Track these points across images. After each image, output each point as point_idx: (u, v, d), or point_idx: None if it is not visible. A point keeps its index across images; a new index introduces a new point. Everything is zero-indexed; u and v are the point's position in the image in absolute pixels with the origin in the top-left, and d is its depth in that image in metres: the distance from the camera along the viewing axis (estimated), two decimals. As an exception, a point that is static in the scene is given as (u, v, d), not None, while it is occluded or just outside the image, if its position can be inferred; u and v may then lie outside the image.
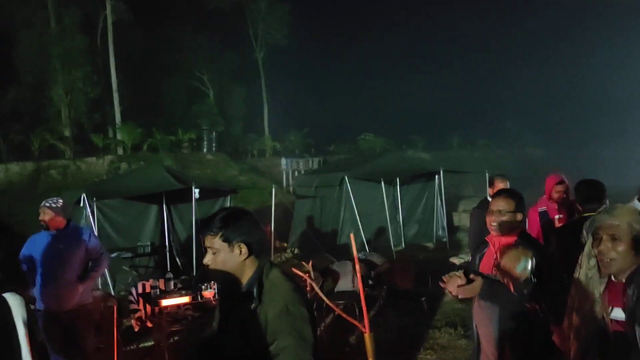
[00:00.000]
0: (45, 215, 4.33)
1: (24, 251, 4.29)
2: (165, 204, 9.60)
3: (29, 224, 13.62)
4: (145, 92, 20.83)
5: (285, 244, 11.24)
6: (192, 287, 5.97)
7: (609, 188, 3.88)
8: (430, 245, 11.93)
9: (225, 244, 2.07)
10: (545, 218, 4.84)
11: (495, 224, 3.05)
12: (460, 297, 3.09)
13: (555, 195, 4.81)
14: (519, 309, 2.89)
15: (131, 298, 6.56)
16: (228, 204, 10.41)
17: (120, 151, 18.45)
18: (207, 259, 2.10)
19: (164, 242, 9.41)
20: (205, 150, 21.19)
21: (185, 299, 5.59)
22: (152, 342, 6.12)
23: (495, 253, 3.07)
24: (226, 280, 2.16)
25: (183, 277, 8.57)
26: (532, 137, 31.25)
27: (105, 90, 19.98)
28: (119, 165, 17.18)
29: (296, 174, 19.71)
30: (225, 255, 2.08)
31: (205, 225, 2.11)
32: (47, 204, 4.34)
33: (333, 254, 9.21)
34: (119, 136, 18.91)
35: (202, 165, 18.84)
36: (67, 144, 18.35)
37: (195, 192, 8.82)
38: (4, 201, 14.89)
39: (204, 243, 2.13)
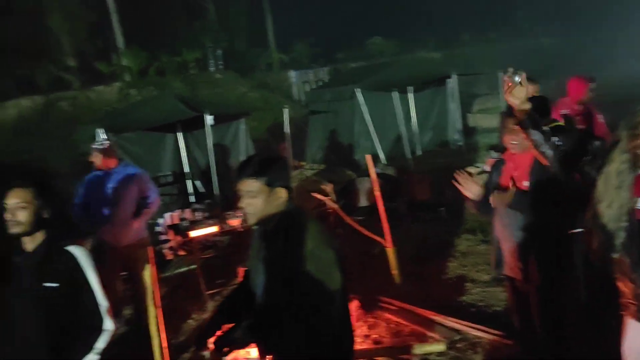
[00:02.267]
0: (95, 158, 4.48)
1: (80, 192, 4.51)
2: (182, 132, 9.67)
3: (48, 159, 13.93)
4: (144, 13, 20.16)
5: (302, 163, 11.36)
6: (218, 215, 6.20)
7: (630, 75, 3.82)
8: (446, 150, 11.96)
9: (266, 188, 2.11)
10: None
11: (515, 142, 3.01)
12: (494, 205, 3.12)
13: (590, 95, 4.74)
14: (546, 220, 2.93)
15: (160, 229, 6.83)
16: (242, 127, 10.45)
17: (127, 77, 18.23)
18: (245, 203, 2.14)
19: (183, 169, 9.58)
20: (212, 69, 20.84)
21: (213, 229, 5.81)
22: (186, 269, 6.47)
23: (511, 170, 3.11)
24: (259, 221, 2.23)
25: (207, 201, 8.84)
26: (544, 26, 29.95)
27: (103, 14, 19.38)
28: (128, 92, 17.06)
29: (307, 86, 19.45)
30: (265, 199, 2.12)
31: (244, 169, 2.14)
32: (95, 147, 4.49)
33: (350, 169, 9.35)
34: (124, 62, 18.60)
35: (211, 85, 18.63)
36: (73, 74, 18.14)
37: (210, 119, 8.82)
38: (19, 136, 15.08)
39: (239, 186, 2.15)
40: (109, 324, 2.42)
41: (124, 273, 4.82)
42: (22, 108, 15.93)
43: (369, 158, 5.21)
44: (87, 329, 2.39)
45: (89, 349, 2.36)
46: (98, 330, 2.39)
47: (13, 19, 18.67)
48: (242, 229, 5.77)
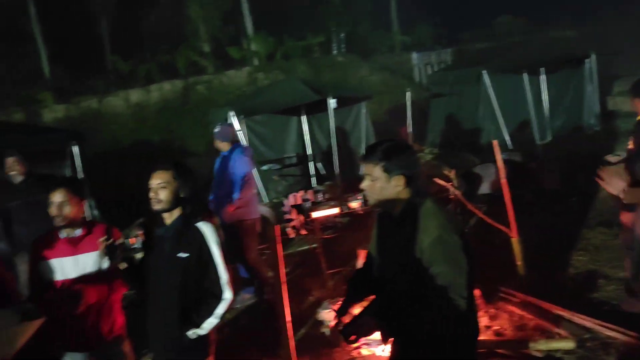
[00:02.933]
0: (215, 142, 4.92)
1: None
2: (305, 115, 9.99)
3: (185, 138, 15.10)
4: (272, 0, 20.92)
5: (423, 147, 11.20)
6: (338, 197, 6.36)
7: None
8: (580, 136, 11.10)
9: (385, 174, 2.19)
10: None
11: None
12: (626, 201, 2.88)
13: None
14: None
15: (285, 209, 7.16)
16: (363, 110, 10.53)
17: (256, 62, 19.12)
18: (365, 185, 2.26)
19: (307, 151, 9.91)
20: (335, 52, 21.12)
21: (334, 210, 5.97)
22: (307, 247, 6.74)
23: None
24: (382, 206, 2.32)
25: (327, 183, 9.10)
26: None
27: (235, 2, 20.42)
28: (256, 76, 17.89)
29: (428, 68, 19.02)
30: (382, 184, 2.21)
31: (368, 154, 2.26)
32: (215, 131, 4.91)
33: (473, 154, 9.05)
34: (252, 47, 19.51)
35: (333, 68, 18.92)
36: (209, 60, 19.40)
37: (332, 103, 9.02)
38: (162, 117, 16.51)
39: (363, 168, 2.27)
40: (228, 294, 2.67)
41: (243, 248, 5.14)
42: (164, 91, 17.39)
43: (495, 143, 5.02)
44: (210, 296, 2.66)
45: (210, 313, 2.64)
46: (219, 298, 2.65)
47: (157, 9, 20.39)
48: (361, 212, 5.87)
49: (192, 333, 2.64)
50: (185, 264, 2.64)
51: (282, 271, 3.93)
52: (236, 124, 8.89)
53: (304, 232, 6.96)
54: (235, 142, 5.11)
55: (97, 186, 8.86)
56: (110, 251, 2.71)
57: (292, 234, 7.05)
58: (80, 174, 7.86)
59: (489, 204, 6.67)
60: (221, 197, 4.96)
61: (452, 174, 6.13)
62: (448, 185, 5.70)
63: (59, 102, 16.74)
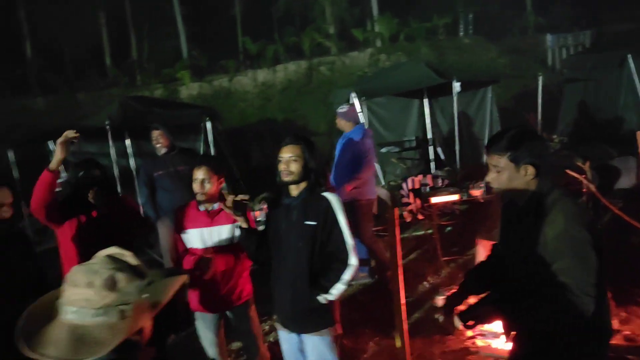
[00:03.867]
0: (338, 122, 5.05)
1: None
2: (427, 98, 9.82)
3: (307, 117, 15.54)
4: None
5: (553, 136, 10.52)
6: (458, 183, 6.22)
7: None
8: None
9: (512, 164, 2.09)
10: None
11: None
12: None
13: None
14: None
15: (402, 192, 7.16)
16: (489, 95, 10.12)
17: (378, 43, 19.05)
18: (491, 177, 2.17)
19: (427, 135, 9.76)
20: (461, 33, 20.39)
21: (454, 197, 5.84)
22: (423, 232, 6.70)
23: None
24: (507, 197, 2.25)
25: (446, 168, 8.91)
26: None
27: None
28: (378, 58, 17.85)
29: (563, 51, 17.70)
30: (510, 174, 2.11)
31: (493, 144, 2.17)
32: (338, 111, 5.03)
33: (610, 145, 8.34)
34: (376, 29, 19.45)
35: (459, 51, 18.29)
36: (332, 41, 19.69)
37: (456, 86, 8.76)
38: (286, 96, 17.13)
39: (488, 159, 2.18)
40: (354, 260, 2.75)
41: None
42: (289, 71, 18.00)
43: (639, 134, 4.61)
44: (337, 262, 2.74)
45: (338, 279, 2.72)
46: (345, 264, 2.73)
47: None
48: (482, 200, 5.70)
49: (321, 298, 2.74)
50: (312, 231, 2.73)
51: (399, 253, 3.97)
52: (357, 105, 8.97)
53: (420, 217, 6.91)
54: (357, 123, 5.19)
55: (225, 161, 9.47)
56: (236, 207, 2.84)
57: (408, 218, 7.04)
58: (212, 149, 8.44)
59: (626, 200, 6.14)
60: (341, 176, 5.07)
61: (586, 165, 5.69)
62: (580, 177, 5.32)
63: (195, 80, 18.01)
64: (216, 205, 3.29)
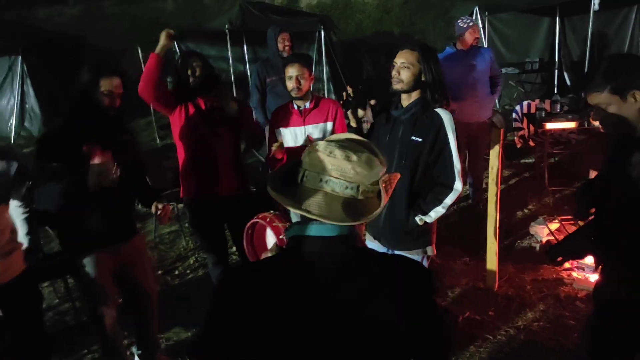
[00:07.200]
0: (457, 39, 4.78)
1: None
2: (559, 17, 8.97)
3: (425, 32, 14.94)
4: None
5: None
6: (579, 111, 5.79)
7: None
8: None
9: (616, 97, 1.90)
10: None
11: None
12: None
13: None
14: None
15: (515, 116, 6.81)
16: (632, 16, 9.00)
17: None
18: (596, 118, 2.00)
19: (554, 58, 9.02)
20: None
21: (571, 124, 5.49)
22: (533, 160, 6.41)
23: None
24: (618, 129, 2.03)
25: (570, 95, 8.28)
26: None
27: None
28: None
29: None
30: (616, 108, 1.92)
31: (588, 83, 1.97)
32: (459, 24, 4.73)
33: None
34: None
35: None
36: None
37: (595, 3, 7.87)
38: (406, 9, 16.39)
39: (590, 101, 1.99)
40: (458, 185, 2.57)
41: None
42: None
43: None
44: (440, 185, 2.58)
45: (438, 202, 2.58)
46: (448, 187, 2.57)
47: None
48: (603, 130, 5.29)
49: (418, 219, 2.60)
50: (418, 148, 2.56)
51: (500, 176, 3.89)
52: (479, 21, 8.45)
53: (532, 143, 6.58)
54: (477, 39, 4.89)
55: (335, 70, 9.48)
56: (345, 104, 2.72)
57: (518, 143, 6.73)
58: (324, 58, 8.48)
59: None
60: (457, 94, 4.86)
61: None
62: None
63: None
64: (308, 104, 3.38)
